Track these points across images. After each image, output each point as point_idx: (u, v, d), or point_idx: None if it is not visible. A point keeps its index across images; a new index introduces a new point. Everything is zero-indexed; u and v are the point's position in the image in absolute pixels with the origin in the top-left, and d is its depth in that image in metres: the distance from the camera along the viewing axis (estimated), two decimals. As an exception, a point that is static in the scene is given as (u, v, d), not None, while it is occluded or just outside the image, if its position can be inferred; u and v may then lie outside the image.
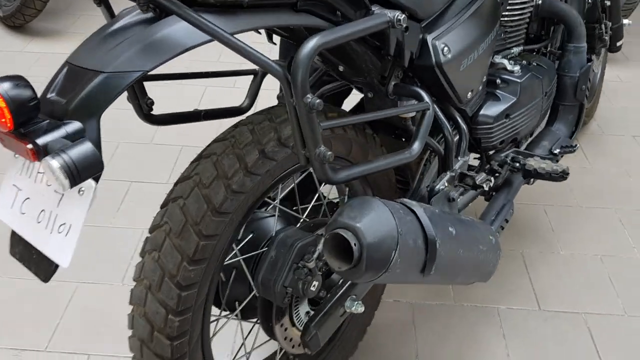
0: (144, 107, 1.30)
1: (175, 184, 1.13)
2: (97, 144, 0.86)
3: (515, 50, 1.76)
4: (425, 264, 1.12)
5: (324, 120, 0.99)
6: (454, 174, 1.43)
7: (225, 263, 1.22)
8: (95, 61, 0.90)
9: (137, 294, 1.10)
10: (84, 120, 0.86)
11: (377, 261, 1.01)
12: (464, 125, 1.46)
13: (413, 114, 1.35)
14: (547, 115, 1.95)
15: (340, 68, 1.41)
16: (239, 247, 1.26)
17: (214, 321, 1.31)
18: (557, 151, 1.79)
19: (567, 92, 1.91)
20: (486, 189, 1.40)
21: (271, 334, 1.32)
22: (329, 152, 0.97)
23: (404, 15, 1.06)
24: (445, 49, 1.30)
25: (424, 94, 1.25)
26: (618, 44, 2.42)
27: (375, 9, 1.08)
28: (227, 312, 1.35)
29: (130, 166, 2.40)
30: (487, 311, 1.79)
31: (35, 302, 1.78)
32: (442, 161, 1.44)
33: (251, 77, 1.51)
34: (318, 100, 0.92)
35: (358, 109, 1.69)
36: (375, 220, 1.02)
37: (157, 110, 1.31)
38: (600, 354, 1.66)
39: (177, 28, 0.92)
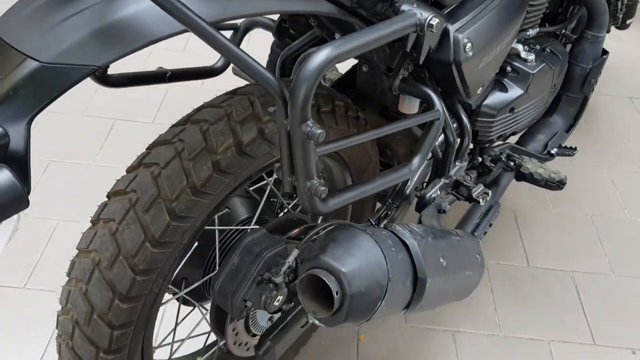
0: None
1: (150, 147, 0.94)
2: (24, 158, 0.65)
3: (532, 32, 1.56)
4: (410, 302, 0.98)
5: (321, 146, 0.80)
6: (449, 181, 1.26)
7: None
8: (30, 41, 0.66)
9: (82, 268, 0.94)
10: (7, 123, 0.64)
11: (359, 312, 0.87)
12: (467, 124, 1.29)
13: (416, 108, 1.16)
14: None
15: (337, 36, 1.19)
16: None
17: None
18: (554, 151, 1.65)
19: (574, 83, 1.74)
20: (482, 203, 1.25)
21: (220, 334, 1.18)
22: (323, 187, 0.79)
23: (437, 20, 0.85)
24: (469, 45, 1.09)
25: (436, 99, 1.06)
26: (628, 21, 2.24)
27: (404, 6, 0.86)
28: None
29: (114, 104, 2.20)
30: None
31: (14, 239, 1.60)
32: (437, 163, 1.27)
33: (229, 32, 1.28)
34: (320, 131, 0.72)
35: (347, 78, 1.47)
36: (363, 264, 0.86)
37: (113, 70, 1.07)
38: (585, 311, 1.69)
39: (144, 9, 0.69)
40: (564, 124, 1.79)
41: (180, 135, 0.92)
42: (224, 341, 1.24)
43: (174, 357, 1.25)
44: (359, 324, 0.89)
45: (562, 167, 2.16)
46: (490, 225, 1.53)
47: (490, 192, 1.27)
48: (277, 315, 1.18)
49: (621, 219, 2.00)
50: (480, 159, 1.55)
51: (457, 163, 1.30)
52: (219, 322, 1.17)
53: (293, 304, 1.16)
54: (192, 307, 1.29)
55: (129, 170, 0.94)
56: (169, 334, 1.25)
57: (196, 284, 1.14)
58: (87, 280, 0.91)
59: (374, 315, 0.89)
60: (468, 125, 1.30)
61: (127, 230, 0.90)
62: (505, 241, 1.88)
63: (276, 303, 1.08)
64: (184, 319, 1.29)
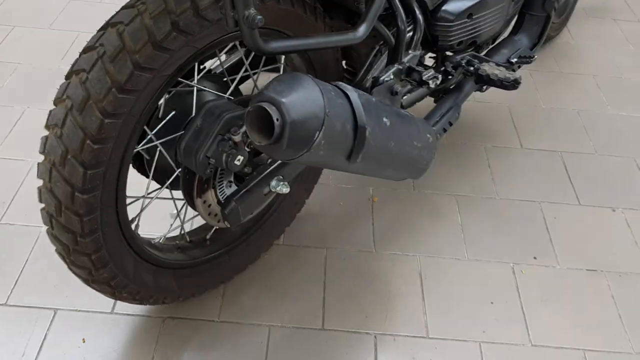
0: None
1: (80, 54, 1.05)
2: None
3: (490, -58, 1.65)
4: (352, 150, 1.09)
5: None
6: (401, 67, 1.37)
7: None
8: None
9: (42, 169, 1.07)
10: None
11: (298, 139, 0.98)
12: (420, 17, 1.39)
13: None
14: (512, 24, 1.89)
15: None
16: (156, 128, 1.20)
17: (135, 201, 1.28)
18: (514, 60, 1.75)
19: (535, 1, 1.83)
20: (432, 86, 1.35)
21: (194, 207, 1.30)
22: (259, 16, 0.90)
23: None
24: None
25: (378, -29, 1.17)
26: None
27: None
28: (157, 188, 1.32)
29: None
30: (475, 148, 2.04)
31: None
32: (391, 52, 1.38)
33: None
34: (251, -45, 0.83)
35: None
36: (301, 97, 0.97)
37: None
38: (572, 181, 1.94)
39: None
40: (528, 42, 1.88)
41: (101, 39, 1.03)
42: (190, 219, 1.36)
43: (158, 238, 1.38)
44: (300, 155, 1.00)
45: (551, 73, 2.45)
46: (451, 124, 1.63)
47: (440, 75, 1.37)
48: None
49: (604, 113, 2.25)
50: (443, 67, 1.65)
51: (410, 52, 1.41)
52: (189, 192, 1.29)
53: (255, 172, 1.28)
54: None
55: (66, 77, 1.05)
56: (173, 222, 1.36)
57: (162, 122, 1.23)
58: (62, 125, 1.04)
59: (313, 146, 1.00)
60: (420, 17, 1.40)
61: (96, 79, 1.02)
62: (499, 128, 2.14)
63: (237, 162, 1.19)
64: (181, 209, 1.39)
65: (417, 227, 1.73)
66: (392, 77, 1.36)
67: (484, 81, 1.63)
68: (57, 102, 1.05)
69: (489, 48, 1.86)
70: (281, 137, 0.97)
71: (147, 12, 1.03)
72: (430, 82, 1.36)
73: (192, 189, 1.26)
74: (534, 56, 1.76)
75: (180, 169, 1.25)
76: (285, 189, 1.28)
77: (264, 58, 1.39)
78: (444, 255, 1.66)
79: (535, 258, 1.67)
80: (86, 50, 1.04)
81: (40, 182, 1.11)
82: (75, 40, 2.35)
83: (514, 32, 1.90)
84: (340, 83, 1.10)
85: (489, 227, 1.75)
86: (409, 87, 1.43)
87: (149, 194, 1.31)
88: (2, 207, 1.69)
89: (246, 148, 1.21)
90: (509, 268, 1.63)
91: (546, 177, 1.94)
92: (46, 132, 1.08)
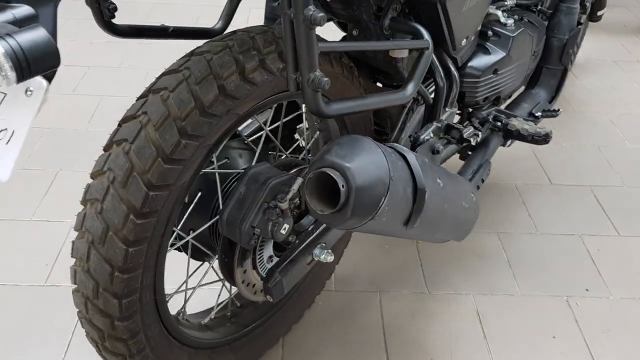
0: (104, 12, 1.13)
1: (120, 124, 0.99)
2: (53, 33, 0.71)
3: (509, 2, 1.66)
4: (411, 215, 1.03)
5: (322, 42, 0.86)
6: (440, 124, 1.33)
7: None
8: None
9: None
10: (36, 5, 0.70)
11: (364, 207, 0.91)
12: (456, 73, 1.36)
13: (405, 53, 1.24)
14: (529, 78, 1.89)
15: (328, -2, 1.27)
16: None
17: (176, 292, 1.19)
18: (538, 114, 1.73)
19: (552, 55, 1.84)
20: (473, 143, 1.32)
21: (229, 276, 1.21)
22: (326, 78, 0.85)
23: None
24: (451, -16, 1.18)
25: (423, 31, 1.14)
26: (599, 13, 2.37)
27: None
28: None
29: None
30: (506, 186, 2.06)
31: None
32: (429, 110, 1.34)
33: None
34: (321, 14, 0.79)
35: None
36: (366, 162, 0.91)
37: (119, 20, 1.14)
38: (607, 214, 1.95)
39: None
40: (547, 95, 1.88)
41: (144, 107, 0.97)
42: (235, 291, 1.27)
43: (188, 313, 1.28)
44: (364, 223, 0.93)
45: (565, 112, 2.50)
46: (483, 181, 1.59)
47: (480, 132, 1.33)
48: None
49: (623, 147, 2.32)
50: (469, 122, 1.62)
51: (447, 109, 1.37)
52: (228, 267, 1.20)
53: (298, 240, 1.20)
54: (201, 263, 1.32)
55: (105, 149, 0.99)
56: (181, 285, 1.28)
57: (204, 227, 1.18)
58: (102, 199, 0.95)
59: (377, 214, 0.93)
60: (456, 74, 1.37)
61: (140, 148, 0.94)
62: (526, 167, 2.17)
63: (283, 231, 1.12)
64: (195, 271, 1.32)
65: (465, 265, 1.72)
66: (432, 135, 1.31)
67: (513, 136, 1.60)
68: (96, 174, 0.97)
69: (507, 103, 1.85)
70: (346, 205, 0.90)
71: (192, 77, 0.97)
72: (472, 139, 1.31)
73: (232, 261, 1.17)
74: (558, 110, 1.74)
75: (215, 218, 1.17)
76: (330, 257, 1.20)
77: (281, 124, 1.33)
78: (497, 292, 1.64)
79: (587, 290, 1.66)
80: (127, 119, 0.98)
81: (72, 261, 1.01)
82: (99, 103, 2.38)
83: (531, 85, 1.90)
84: (396, 144, 1.05)
85: (535, 262, 1.75)
86: (446, 143, 1.39)
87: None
88: (46, 269, 1.63)
89: (290, 215, 1.14)
90: (564, 301, 1.63)
91: (580, 211, 1.96)
92: (81, 207, 1.00)
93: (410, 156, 1.02)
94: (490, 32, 1.56)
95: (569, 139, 2.33)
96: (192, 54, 1.02)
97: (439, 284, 1.66)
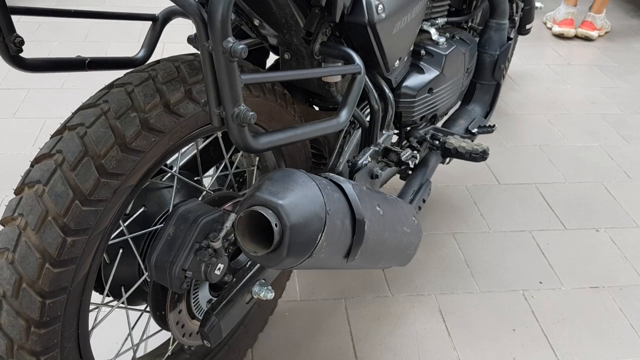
0: (10, 47, 1.04)
1: (32, 165, 0.91)
2: None
3: (440, 21, 1.66)
4: (351, 247, 0.98)
5: (246, 74, 0.81)
6: (378, 148, 1.30)
7: (110, 243, 1.02)
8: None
9: None
10: None
11: (300, 245, 0.86)
12: (390, 95, 1.34)
13: (339, 78, 1.20)
14: (464, 94, 1.89)
15: (256, 22, 1.22)
16: (126, 223, 1.06)
17: (93, 310, 1.09)
18: (474, 130, 1.73)
19: (485, 71, 1.85)
20: (411, 165, 1.29)
21: (163, 324, 1.13)
22: (251, 112, 0.79)
23: None
24: (380, 7, 1.15)
25: (355, 55, 1.10)
26: (527, 26, 2.41)
27: None
28: (110, 299, 1.14)
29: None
30: (457, 188, 2.13)
31: None
32: (365, 134, 1.31)
33: (149, 23, 1.28)
34: (242, 46, 0.73)
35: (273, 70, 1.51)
36: (300, 197, 0.86)
37: (28, 53, 1.05)
38: (553, 209, 2.05)
39: None
40: (481, 111, 1.88)
41: (58, 145, 0.89)
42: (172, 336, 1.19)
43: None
44: (301, 261, 0.88)
45: (505, 115, 2.59)
46: (424, 201, 1.57)
47: (418, 153, 1.31)
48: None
49: (563, 145, 2.42)
50: (407, 142, 1.60)
51: (384, 132, 1.34)
52: (160, 311, 1.12)
53: (235, 278, 1.13)
54: (140, 312, 1.23)
55: (16, 193, 0.90)
56: (124, 342, 1.20)
57: (135, 286, 1.10)
58: (14, 248, 0.86)
59: (315, 251, 0.88)
60: (391, 96, 1.35)
61: (54, 191, 0.86)
62: (474, 169, 2.23)
63: (217, 272, 1.05)
64: (135, 323, 1.25)
65: (425, 267, 1.76)
66: (369, 159, 1.28)
67: (451, 155, 1.59)
68: (5, 221, 0.88)
69: (444, 120, 1.85)
70: (281, 245, 0.85)
71: (111, 112, 0.90)
72: (410, 162, 1.29)
73: (163, 304, 1.09)
74: (494, 125, 1.75)
75: (144, 276, 1.09)
76: (270, 294, 1.14)
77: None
78: (458, 290, 1.70)
79: (541, 282, 1.74)
80: (40, 159, 0.89)
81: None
82: (42, 126, 2.30)
83: (466, 102, 1.90)
84: (331, 174, 1.00)
85: (491, 259, 1.81)
86: (384, 167, 1.35)
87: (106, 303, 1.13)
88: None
89: (225, 253, 1.07)
90: (520, 295, 1.69)
91: (528, 207, 2.04)
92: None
93: (347, 186, 0.98)
94: (423, 51, 1.55)
95: (511, 141, 2.43)
96: (111, 85, 0.95)
97: (402, 286, 1.69)
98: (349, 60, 1.09)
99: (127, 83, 0.93)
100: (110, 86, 0.94)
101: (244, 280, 1.12)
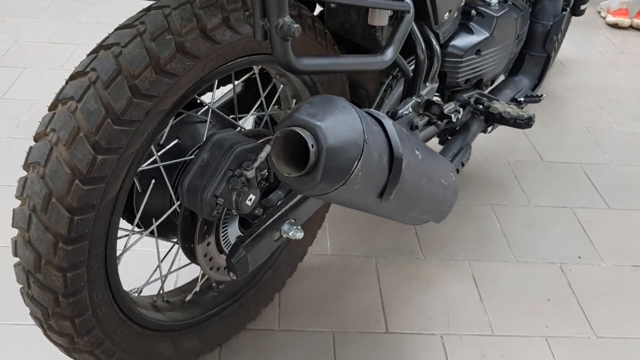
0: None
1: (67, 82, 0.90)
2: None
3: (493, -17, 1.61)
4: (386, 185, 0.96)
5: (294, -15, 0.79)
6: (420, 99, 1.26)
7: (142, 169, 1.02)
8: None
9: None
10: None
11: (336, 170, 0.83)
12: (438, 48, 1.30)
13: (385, 20, 1.17)
14: (512, 65, 1.84)
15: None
16: (159, 153, 1.05)
17: (123, 237, 1.10)
18: (521, 99, 1.67)
19: (536, 41, 1.79)
20: (454, 120, 1.25)
21: (191, 255, 1.12)
22: (296, 25, 0.77)
23: None
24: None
25: (405, -7, 1.07)
26: (582, 7, 2.32)
27: None
28: (141, 229, 1.15)
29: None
30: (498, 162, 2.07)
31: None
32: (408, 84, 1.27)
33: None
34: (293, -51, 0.71)
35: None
36: (339, 121, 0.84)
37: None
38: (597, 188, 2.01)
39: None
40: (529, 83, 1.82)
41: (93, 64, 0.88)
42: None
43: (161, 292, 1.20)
44: (335, 188, 0.86)
45: (553, 95, 2.52)
46: (463, 165, 1.52)
47: (461, 110, 1.27)
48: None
49: (612, 130, 2.34)
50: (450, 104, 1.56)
51: (427, 84, 1.30)
52: (188, 242, 1.11)
53: (265, 214, 1.12)
54: (171, 244, 1.24)
55: (50, 109, 0.90)
56: (152, 273, 1.20)
57: (166, 214, 1.10)
58: (45, 163, 0.87)
59: (350, 179, 0.86)
60: (438, 49, 1.31)
61: (87, 108, 0.86)
62: (517, 144, 2.18)
63: (248, 202, 1.03)
64: (165, 255, 1.26)
65: (460, 235, 1.74)
66: (410, 110, 1.25)
67: (495, 120, 1.54)
68: (38, 136, 0.89)
69: (489, 89, 1.79)
70: (316, 167, 0.83)
71: (147, 33, 0.89)
72: (452, 115, 1.25)
73: (192, 233, 1.08)
74: (542, 95, 1.69)
75: (175, 206, 1.09)
76: (299, 234, 1.12)
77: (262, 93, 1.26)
78: (492, 259, 1.66)
79: (580, 257, 1.69)
80: (74, 76, 0.89)
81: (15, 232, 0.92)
82: (30, 108, 2.14)
83: (513, 73, 1.84)
84: (371, 110, 0.98)
85: (529, 232, 1.77)
86: (426, 120, 1.32)
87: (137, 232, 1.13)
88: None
89: (257, 186, 1.06)
90: (557, 267, 1.65)
91: (571, 185, 2.00)
92: (24, 173, 0.91)
93: (387, 122, 0.95)
94: (473, 11, 1.50)
95: (558, 121, 2.36)
96: (149, 8, 0.94)
97: (434, 251, 1.67)
98: (398, -2, 1.06)
99: (164, 6, 0.92)
100: (148, 9, 0.93)
101: (274, 217, 1.11)
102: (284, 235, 1.13)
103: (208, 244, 1.11)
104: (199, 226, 1.07)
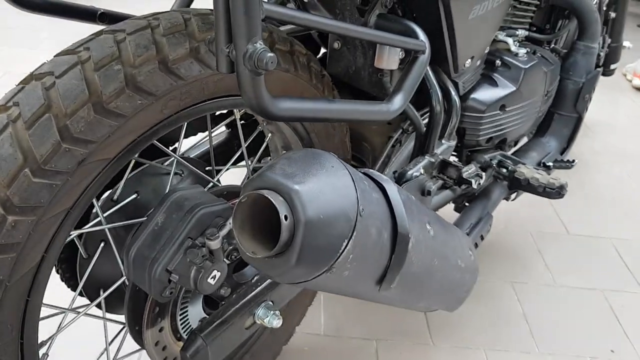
0: None
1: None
2: None
3: (521, 33, 1.42)
4: (387, 270, 0.73)
5: (271, 6, 0.59)
6: (434, 159, 1.05)
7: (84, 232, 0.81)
8: None
9: None
10: None
11: (317, 252, 0.61)
12: (457, 99, 1.10)
13: (396, 63, 0.97)
14: (538, 124, 1.63)
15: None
16: (110, 211, 0.84)
17: (54, 315, 0.87)
18: (549, 164, 1.46)
19: (566, 99, 1.58)
20: (475, 186, 1.03)
21: (139, 340, 0.89)
22: (270, 54, 0.57)
23: None
24: (458, -23, 0.92)
25: (419, 30, 0.87)
26: (612, 66, 2.14)
27: None
28: (87, 304, 0.92)
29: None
30: (520, 234, 1.84)
31: None
32: (420, 140, 1.06)
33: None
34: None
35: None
36: (325, 186, 0.62)
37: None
38: (629, 268, 1.74)
39: None
40: (558, 145, 1.61)
41: (16, 97, 0.69)
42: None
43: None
44: (317, 275, 0.64)
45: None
46: (482, 238, 1.30)
47: (484, 174, 1.05)
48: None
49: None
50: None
51: (443, 141, 1.09)
52: (138, 325, 0.89)
53: (234, 294, 0.89)
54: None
55: (18, 84, 0.71)
56: (100, 354, 0.97)
57: (114, 286, 0.88)
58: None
59: (336, 264, 0.63)
60: (457, 100, 1.11)
61: (2, 153, 0.66)
62: (540, 214, 1.94)
63: (211, 281, 0.81)
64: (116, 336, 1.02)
65: (475, 316, 1.51)
66: (422, 171, 1.03)
67: (520, 186, 1.32)
68: None
69: (512, 150, 1.58)
70: (290, 247, 0.61)
71: (90, 62, 0.69)
72: (473, 181, 1.03)
73: (139, 315, 0.86)
74: (573, 160, 1.47)
75: (123, 278, 0.87)
76: (277, 321, 0.89)
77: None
78: (512, 349, 1.43)
79: (612, 351, 1.46)
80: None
81: None
82: None
83: (540, 133, 1.64)
84: (372, 171, 0.76)
85: (554, 317, 1.55)
86: (440, 184, 1.10)
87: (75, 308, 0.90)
88: None
89: (225, 260, 0.84)
90: None
91: (601, 264, 1.76)
92: None
93: (391, 187, 0.73)
94: (498, 61, 1.31)
95: (584, 189, 2.15)
96: (100, 32, 0.75)
97: (446, 335, 1.44)
98: (411, 34, 0.86)
99: (119, 30, 0.73)
100: (99, 33, 0.74)
101: (247, 298, 0.88)
102: (258, 322, 0.90)
103: (160, 330, 0.88)
104: (149, 307, 0.85)
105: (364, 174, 0.74)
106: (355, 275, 0.69)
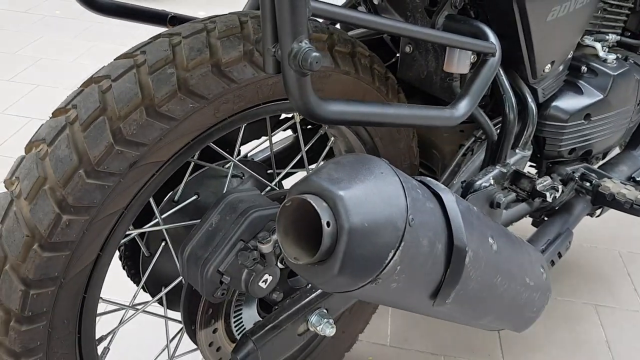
0: None
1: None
2: None
3: (611, 38, 1.32)
4: (441, 284, 0.69)
5: (319, 3, 0.57)
6: (506, 169, 0.99)
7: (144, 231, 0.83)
8: None
9: None
10: None
11: (361, 261, 0.59)
12: (533, 107, 1.03)
13: (466, 67, 0.92)
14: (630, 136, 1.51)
15: (375, 0, 0.99)
16: (169, 212, 0.86)
17: (114, 311, 0.90)
18: (640, 179, 1.34)
19: (664, 109, 1.45)
20: (549, 200, 0.96)
21: (194, 339, 0.90)
22: (316, 53, 0.55)
23: None
24: (535, -24, 0.86)
25: (490, 32, 0.83)
26: None
27: None
28: (140, 303, 0.94)
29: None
30: (609, 252, 1.73)
31: None
32: (492, 149, 1.01)
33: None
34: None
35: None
36: (372, 192, 0.60)
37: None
38: None
39: None
40: (652, 160, 1.48)
41: (76, 99, 0.72)
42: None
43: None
44: (361, 286, 0.61)
45: None
46: (560, 256, 1.21)
47: (561, 187, 0.98)
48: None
49: None
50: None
51: (517, 151, 1.03)
52: (190, 326, 0.89)
53: (288, 300, 0.88)
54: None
55: (80, 86, 0.74)
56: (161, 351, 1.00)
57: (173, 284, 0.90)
58: (2, 220, 0.69)
59: (382, 274, 0.60)
60: (534, 108, 1.04)
61: (59, 155, 0.68)
62: (635, 234, 1.80)
63: (262, 284, 0.80)
64: (175, 336, 1.04)
65: (554, 338, 1.45)
66: (492, 182, 0.97)
67: (605, 202, 1.22)
68: (6, 183, 0.72)
69: (599, 163, 1.47)
70: (332, 255, 0.58)
71: (145, 65, 0.71)
72: (548, 193, 0.96)
73: (194, 315, 0.86)
74: (670, 176, 1.35)
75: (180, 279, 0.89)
76: (330, 330, 0.87)
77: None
78: None
79: None
80: (56, 113, 0.72)
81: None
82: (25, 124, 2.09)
83: (631, 146, 1.51)
84: (428, 179, 0.72)
85: None
86: (512, 197, 1.04)
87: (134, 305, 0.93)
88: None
89: (279, 264, 0.83)
90: None
91: None
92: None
93: (448, 197, 0.69)
94: (584, 67, 1.22)
95: None
96: (158, 36, 0.76)
97: (518, 356, 1.37)
98: (481, 35, 0.82)
99: (175, 34, 0.74)
100: (157, 36, 0.76)
101: (300, 304, 0.87)
102: (311, 329, 0.88)
103: (214, 331, 0.88)
104: (202, 307, 0.85)
105: (420, 182, 0.71)
106: (405, 288, 0.66)
